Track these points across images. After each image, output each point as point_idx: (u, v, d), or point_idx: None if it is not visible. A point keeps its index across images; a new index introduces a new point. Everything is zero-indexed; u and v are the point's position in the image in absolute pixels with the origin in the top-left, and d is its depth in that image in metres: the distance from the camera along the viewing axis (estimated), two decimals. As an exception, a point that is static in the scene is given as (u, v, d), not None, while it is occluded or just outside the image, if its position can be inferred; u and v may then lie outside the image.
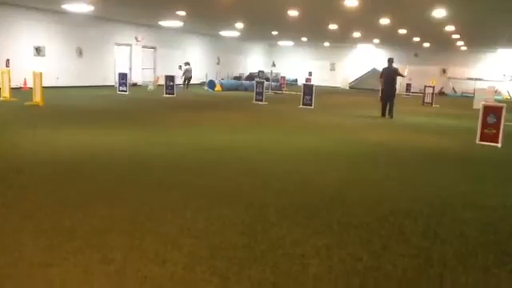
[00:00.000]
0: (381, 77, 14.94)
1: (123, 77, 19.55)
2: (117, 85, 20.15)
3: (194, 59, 29.77)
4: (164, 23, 22.92)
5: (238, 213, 4.39)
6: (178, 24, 22.87)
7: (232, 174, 6.01)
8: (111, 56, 23.94)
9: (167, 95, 18.64)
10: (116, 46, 24.22)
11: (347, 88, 35.28)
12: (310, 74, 35.81)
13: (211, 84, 24.82)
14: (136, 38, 25.18)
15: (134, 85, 24.04)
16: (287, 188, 5.45)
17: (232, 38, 30.70)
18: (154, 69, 26.90)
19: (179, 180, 5.57)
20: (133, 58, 25.42)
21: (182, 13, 18.73)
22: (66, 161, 6.38)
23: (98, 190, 5.01)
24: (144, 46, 26.00)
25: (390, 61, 15.03)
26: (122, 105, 14.73)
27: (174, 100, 17.26)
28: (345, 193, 5.38)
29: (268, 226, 4.05)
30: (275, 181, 5.77)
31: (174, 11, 18.44)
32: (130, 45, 25.13)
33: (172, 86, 18.94)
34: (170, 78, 19.20)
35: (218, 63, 32.30)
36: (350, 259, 3.42)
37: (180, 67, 27.56)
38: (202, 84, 27.46)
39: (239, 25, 22.54)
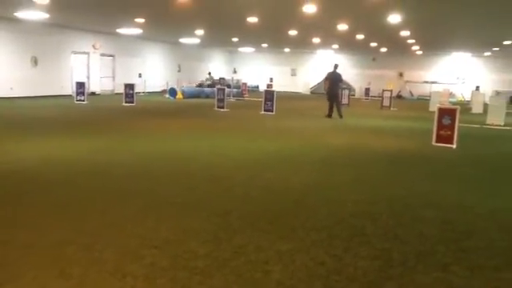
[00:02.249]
0: (326, 79, 16.08)
1: (81, 86, 19.09)
2: (74, 94, 19.66)
3: (154, 67, 29.50)
4: (122, 31, 22.58)
5: (201, 221, 4.34)
6: (137, 31, 22.57)
7: (194, 182, 5.95)
8: (68, 65, 23.35)
9: (127, 104, 18.32)
10: (73, 55, 23.65)
11: (308, 93, 35.69)
12: (271, 79, 36.04)
13: (172, 92, 24.59)
14: (94, 46, 24.67)
15: (93, 94, 23.54)
16: (250, 194, 5.43)
17: (192, 45, 30.55)
18: (113, 77, 26.42)
19: (141, 189, 5.47)
20: (91, 67, 24.88)
21: (140, 20, 18.49)
22: (22, 172, 6.15)
23: (56, 201, 4.85)
24: (102, 54, 25.50)
25: (336, 66, 16.24)
26: (80, 114, 14.39)
27: (134, 108, 16.99)
28: (307, 197, 5.42)
29: (231, 234, 4.02)
30: (238, 187, 5.75)
31: (132, 18, 18.19)
32: (88, 53, 24.60)
33: (132, 95, 18.61)
34: (129, 87, 18.87)
35: (178, 71, 32.05)
36: (312, 263, 3.44)
37: (140, 75, 27.31)
38: (163, 92, 27.17)
39: (199, 32, 22.46)
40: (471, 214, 4.99)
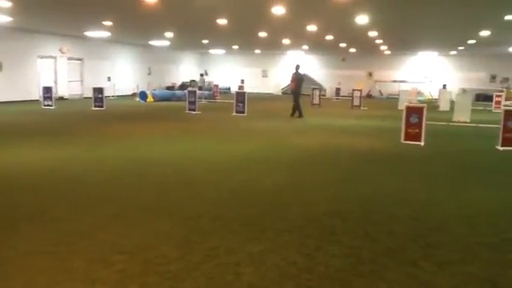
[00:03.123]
0: (292, 81, 16.92)
1: (48, 90, 18.69)
2: (42, 99, 19.24)
3: (124, 70, 29.13)
4: (90, 34, 22.20)
5: (172, 225, 4.32)
6: (105, 34, 22.24)
7: (166, 186, 5.91)
8: (34, 69, 22.82)
9: (96, 108, 18.03)
10: (39, 59, 23.13)
11: (280, 94, 35.85)
12: (243, 81, 36.04)
13: (143, 95, 24.32)
14: (61, 50, 24.18)
15: (61, 98, 23.08)
16: (222, 197, 5.43)
17: (162, 48, 30.28)
18: (82, 81, 25.96)
19: (111, 195, 5.39)
20: (58, 71, 24.37)
21: (108, 23, 18.22)
22: (-14, 182, 5.99)
23: (22, 211, 4.74)
24: (70, 58, 25.00)
25: (297, 67, 16.96)
26: (48, 120, 14.09)
27: (104, 113, 16.73)
28: (279, 198, 5.44)
29: (202, 237, 4.01)
30: (210, 190, 5.73)
31: (99, 21, 17.90)
32: (55, 57, 24.08)
33: (101, 99, 18.32)
34: (98, 90, 18.58)
35: (149, 73, 31.71)
36: (283, 263, 3.46)
37: (109, 79, 27.00)
38: (134, 95, 26.86)
39: (169, 34, 22.29)
40: (439, 210, 5.11)
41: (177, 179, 6.31)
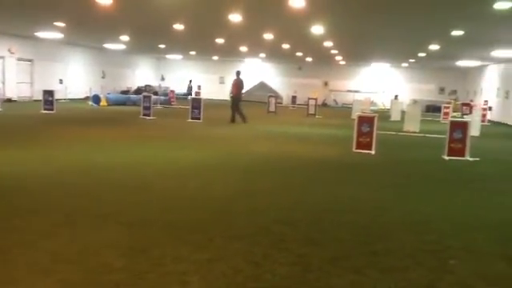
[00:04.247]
0: (234, 86, 17.34)
1: (-5, 92, 17.94)
2: (-13, 101, 18.44)
3: (76, 73, 28.38)
4: (41, 34, 21.49)
5: (119, 233, 4.21)
6: (58, 36, 21.59)
7: (117, 192, 5.76)
8: (-19, 70, 21.90)
9: (46, 111, 17.42)
10: (-14, 59, 22.21)
11: (236, 101, 35.86)
12: (199, 87, 35.87)
13: (95, 98, 23.72)
14: (9, 50, 23.28)
15: (9, 100, 22.19)
16: (173, 204, 5.35)
17: (117, 51, 29.71)
18: (32, 83, 25.06)
19: (60, 202, 5.21)
20: (6, 72, 23.43)
21: (60, 24, 17.70)
22: None
23: (-43, 218, 4.50)
24: (19, 59, 24.11)
25: (238, 73, 17.49)
26: (-6, 122, 13.51)
27: (54, 116, 16.19)
28: (230, 205, 5.42)
29: (150, 245, 3.93)
30: (161, 197, 5.65)
31: (50, 22, 17.35)
32: (3, 57, 23.17)
33: (51, 102, 17.71)
34: (49, 93, 17.96)
35: (103, 77, 30.99)
36: (230, 272, 3.44)
37: (61, 81, 26.25)
38: (86, 99, 26.18)
39: (124, 37, 21.90)
40: (385, 217, 5.23)
41: (128, 185, 6.18)
